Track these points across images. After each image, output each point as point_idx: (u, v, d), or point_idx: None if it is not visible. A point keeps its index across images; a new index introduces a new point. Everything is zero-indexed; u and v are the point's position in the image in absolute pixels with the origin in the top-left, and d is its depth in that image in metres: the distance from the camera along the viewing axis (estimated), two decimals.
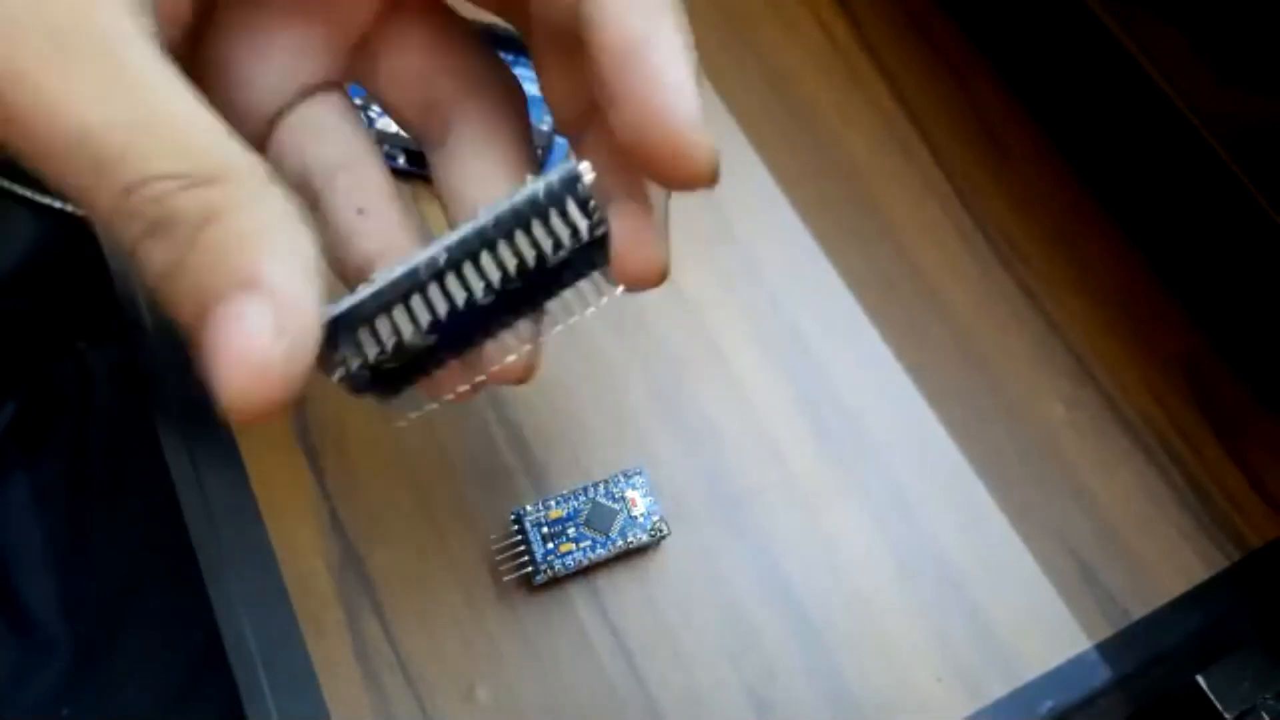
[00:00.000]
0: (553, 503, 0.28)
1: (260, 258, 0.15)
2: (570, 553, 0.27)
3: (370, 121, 0.31)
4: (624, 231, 0.19)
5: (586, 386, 0.30)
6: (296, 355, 0.15)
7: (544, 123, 0.32)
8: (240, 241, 0.15)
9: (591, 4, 0.17)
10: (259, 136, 0.20)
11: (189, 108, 0.15)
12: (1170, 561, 0.29)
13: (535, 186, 0.16)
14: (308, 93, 0.21)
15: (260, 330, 0.14)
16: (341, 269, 0.20)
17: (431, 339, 0.17)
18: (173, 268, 0.15)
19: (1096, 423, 0.31)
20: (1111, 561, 0.29)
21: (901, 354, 0.32)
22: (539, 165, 0.22)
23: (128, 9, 0.15)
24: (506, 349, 0.19)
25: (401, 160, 0.32)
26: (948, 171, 0.34)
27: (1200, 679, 0.28)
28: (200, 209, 0.15)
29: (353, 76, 0.21)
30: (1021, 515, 0.30)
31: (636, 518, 0.28)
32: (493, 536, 0.27)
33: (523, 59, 0.27)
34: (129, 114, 0.15)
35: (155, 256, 0.15)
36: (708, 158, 0.17)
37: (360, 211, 0.20)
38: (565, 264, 0.17)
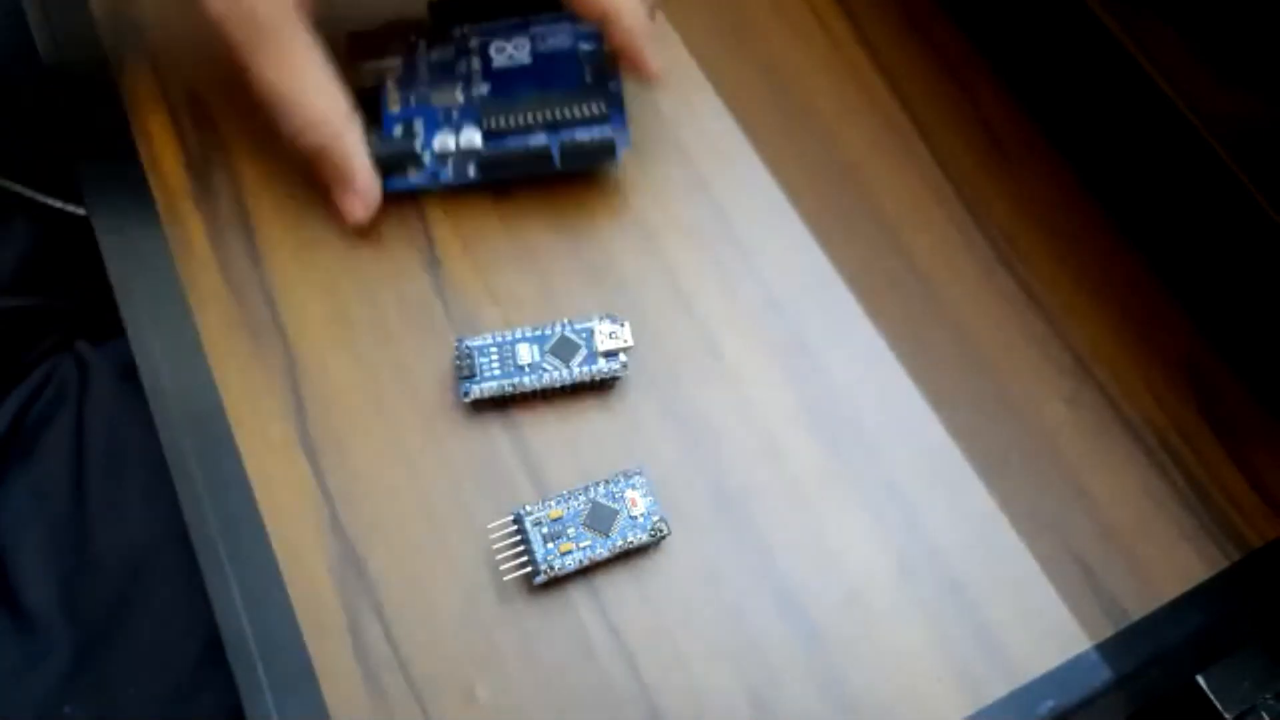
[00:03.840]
0: (553, 503, 0.28)
1: (347, 171, 0.31)
2: (570, 553, 0.27)
3: (488, 62, 0.34)
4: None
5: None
6: (370, 208, 0.32)
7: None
8: (336, 162, 0.31)
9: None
10: None
11: (317, 77, 0.30)
12: (1170, 561, 0.29)
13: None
14: None
15: (354, 206, 0.32)
16: None
17: None
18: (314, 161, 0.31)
19: (1096, 423, 0.31)
20: (1111, 561, 0.29)
21: (901, 354, 0.32)
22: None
23: (300, 13, 0.29)
24: None
25: (472, 172, 0.32)
26: (948, 171, 0.34)
27: (1200, 679, 0.28)
28: (314, 142, 0.31)
29: None
30: (1021, 515, 0.30)
31: (636, 518, 0.28)
32: (493, 536, 0.27)
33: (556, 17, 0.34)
34: (286, 81, 0.30)
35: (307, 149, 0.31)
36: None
37: None
38: None
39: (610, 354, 0.30)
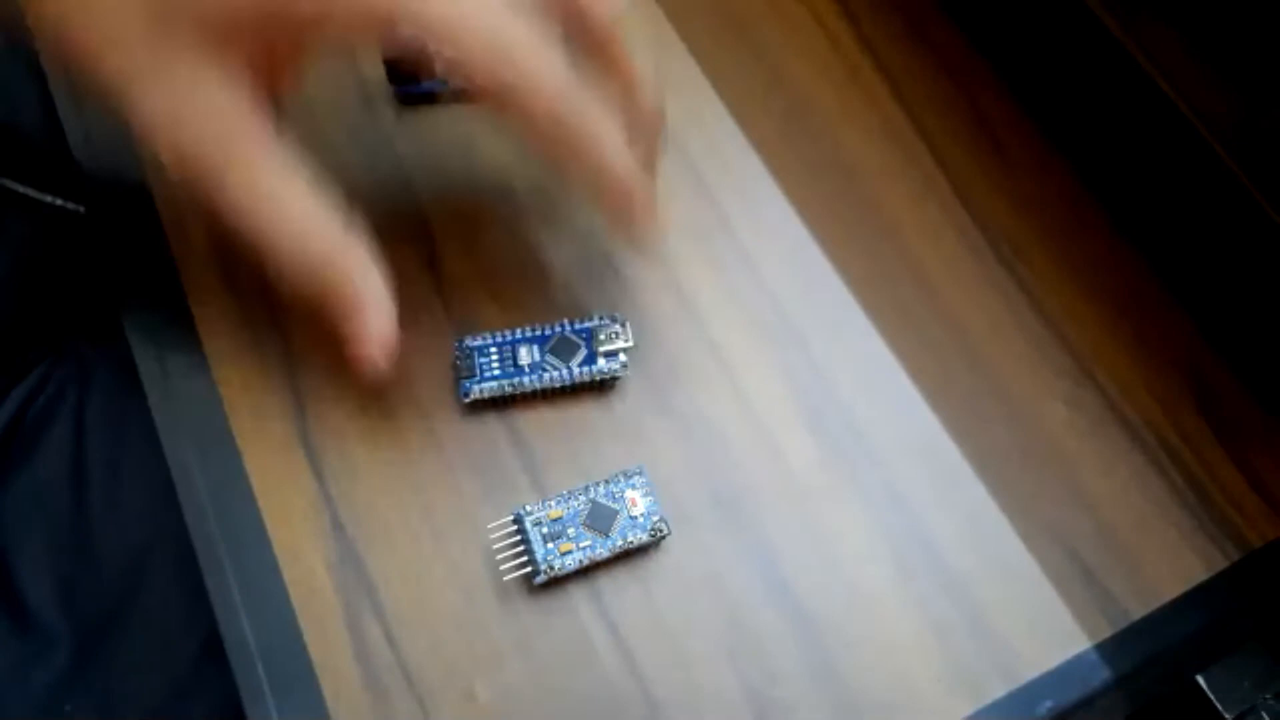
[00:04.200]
0: (553, 503, 0.28)
1: (357, 310, 0.25)
2: (570, 553, 0.27)
3: None
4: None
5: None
6: (386, 348, 0.26)
7: None
8: (343, 301, 0.25)
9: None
10: None
11: (308, 206, 0.25)
12: (1170, 561, 0.29)
13: None
14: None
15: (368, 348, 0.26)
16: None
17: None
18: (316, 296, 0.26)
19: (1096, 423, 0.31)
20: (1111, 561, 0.29)
21: (901, 354, 0.32)
22: None
23: (257, 119, 0.24)
24: None
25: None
26: (947, 171, 0.34)
27: (1200, 679, 0.28)
28: (314, 280, 0.25)
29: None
30: (1021, 515, 0.30)
31: (636, 518, 0.28)
32: (493, 537, 0.27)
33: None
34: (260, 205, 0.24)
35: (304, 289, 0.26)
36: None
37: None
38: None
39: (610, 354, 0.30)
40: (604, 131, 0.25)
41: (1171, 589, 0.29)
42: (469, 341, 0.29)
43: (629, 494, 0.28)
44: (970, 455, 0.30)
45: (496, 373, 0.29)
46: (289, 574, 0.28)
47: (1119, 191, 0.34)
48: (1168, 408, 0.31)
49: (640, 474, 0.28)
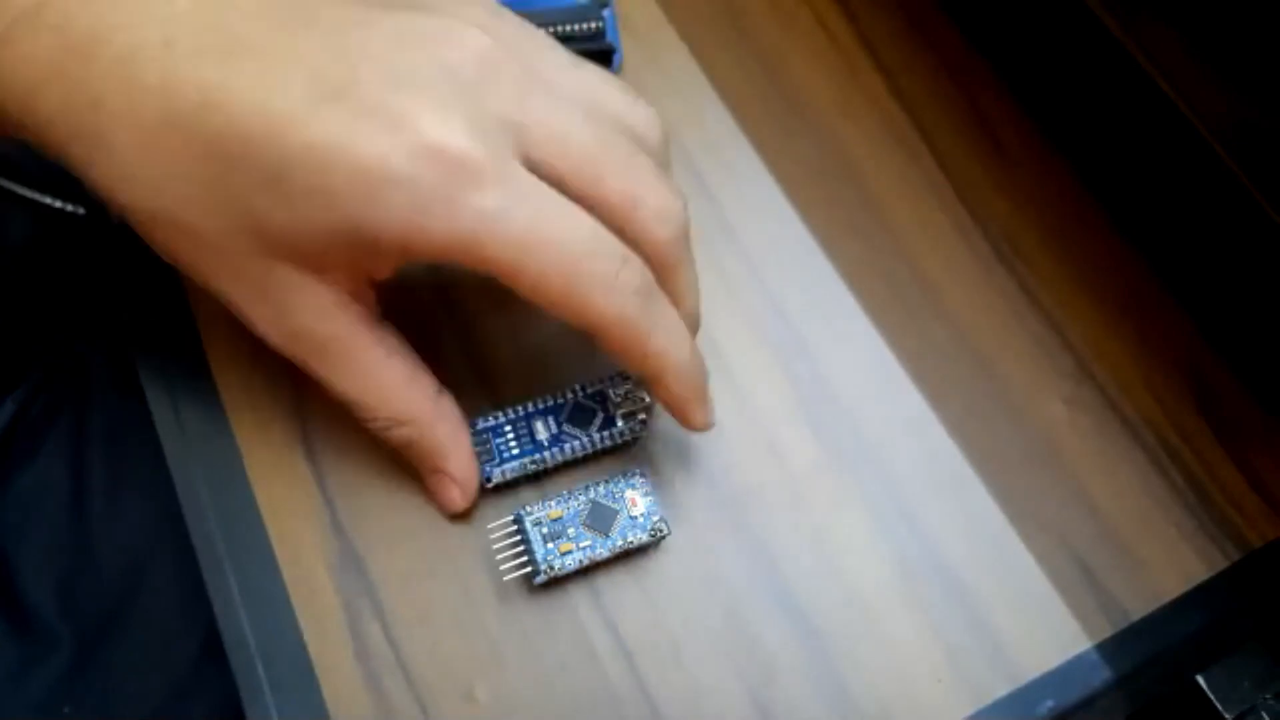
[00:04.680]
0: (553, 503, 0.28)
1: (440, 463, 0.28)
2: (570, 553, 0.27)
3: None
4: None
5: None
6: (469, 496, 0.28)
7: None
8: (426, 455, 0.28)
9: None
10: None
11: (391, 378, 0.27)
12: (1170, 561, 0.29)
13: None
14: None
15: (451, 495, 0.28)
16: None
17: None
18: (404, 454, 0.28)
19: (1096, 423, 0.31)
20: (1111, 561, 0.29)
21: (901, 353, 0.32)
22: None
23: (360, 319, 0.26)
24: None
25: None
26: (948, 170, 0.34)
27: (1200, 679, 0.28)
28: (401, 438, 0.28)
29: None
30: (1021, 515, 0.30)
31: (636, 518, 0.28)
32: (493, 537, 0.27)
33: None
34: (358, 389, 0.27)
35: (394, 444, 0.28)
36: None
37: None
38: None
39: (629, 415, 0.29)
40: (671, 347, 0.26)
41: (1172, 589, 0.29)
42: (480, 424, 0.28)
43: (629, 494, 0.28)
44: (970, 455, 0.30)
45: (515, 452, 0.28)
46: (289, 574, 0.28)
47: (1119, 191, 0.34)
48: (1168, 408, 0.31)
49: (640, 474, 0.28)
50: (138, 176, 0.24)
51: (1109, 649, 0.28)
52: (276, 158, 0.23)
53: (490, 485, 0.28)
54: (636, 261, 0.25)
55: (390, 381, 0.27)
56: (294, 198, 0.23)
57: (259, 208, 0.24)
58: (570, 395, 0.29)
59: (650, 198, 0.26)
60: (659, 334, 0.26)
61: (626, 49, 0.35)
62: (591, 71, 0.27)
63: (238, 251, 0.25)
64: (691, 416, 0.27)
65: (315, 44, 0.24)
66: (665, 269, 0.26)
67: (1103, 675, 0.28)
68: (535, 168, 0.24)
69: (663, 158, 0.28)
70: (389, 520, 0.28)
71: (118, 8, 0.24)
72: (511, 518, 0.27)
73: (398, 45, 0.24)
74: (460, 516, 0.28)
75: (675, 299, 0.27)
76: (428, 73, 0.24)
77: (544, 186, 0.24)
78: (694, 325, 0.28)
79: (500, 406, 0.29)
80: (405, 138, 0.23)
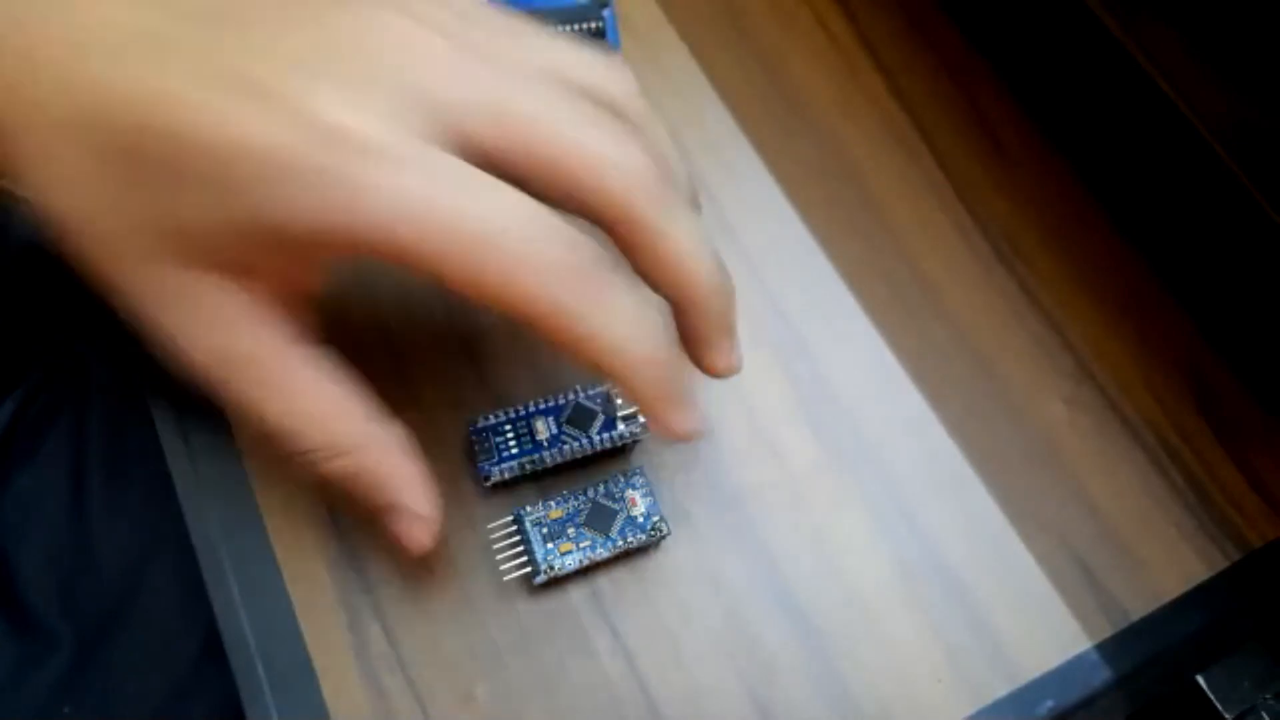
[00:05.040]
0: (553, 503, 0.28)
1: (391, 496, 0.25)
2: (570, 553, 0.27)
3: None
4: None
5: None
6: (432, 530, 0.25)
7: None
8: (374, 490, 0.25)
9: None
10: None
11: (322, 401, 0.24)
12: (1170, 561, 0.29)
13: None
14: None
15: (412, 533, 0.25)
16: None
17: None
18: (350, 491, 0.25)
19: (1096, 423, 0.31)
20: (1111, 561, 0.29)
21: (901, 353, 0.32)
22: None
23: (286, 336, 0.23)
24: None
25: None
26: (948, 170, 0.34)
27: (1200, 679, 0.28)
28: (339, 471, 0.24)
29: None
30: (1021, 515, 0.30)
31: (636, 518, 0.28)
32: (493, 537, 0.27)
33: None
34: (282, 413, 0.24)
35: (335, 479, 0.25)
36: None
37: None
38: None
39: (629, 418, 0.29)
40: (630, 339, 0.23)
41: (1172, 589, 0.29)
42: (480, 423, 0.28)
43: (629, 494, 0.28)
44: (970, 455, 0.30)
45: (515, 451, 0.28)
46: (289, 574, 0.28)
47: (1119, 191, 0.34)
48: (1168, 408, 0.31)
49: (640, 474, 0.28)
50: (47, 180, 0.23)
51: (1109, 649, 0.28)
52: (172, 149, 0.21)
53: (489, 484, 0.28)
54: (579, 238, 0.22)
55: (321, 406, 0.24)
56: (193, 191, 0.21)
57: (161, 204, 0.22)
58: (572, 395, 0.29)
59: (602, 154, 0.22)
60: (611, 323, 0.22)
61: (626, 49, 0.35)
62: (546, 41, 0.24)
63: (149, 256, 0.23)
64: (665, 420, 0.24)
65: (221, 36, 0.22)
66: (634, 232, 0.23)
67: (1103, 675, 0.28)
68: (466, 147, 0.22)
69: (637, 117, 0.25)
70: None
71: (19, 3, 0.22)
72: (511, 518, 0.27)
73: (311, 32, 0.22)
74: (460, 517, 0.28)
75: (660, 268, 0.24)
76: (339, 56, 0.22)
77: (461, 164, 0.22)
78: (710, 298, 0.25)
79: (500, 406, 0.29)
80: (303, 120, 0.21)
